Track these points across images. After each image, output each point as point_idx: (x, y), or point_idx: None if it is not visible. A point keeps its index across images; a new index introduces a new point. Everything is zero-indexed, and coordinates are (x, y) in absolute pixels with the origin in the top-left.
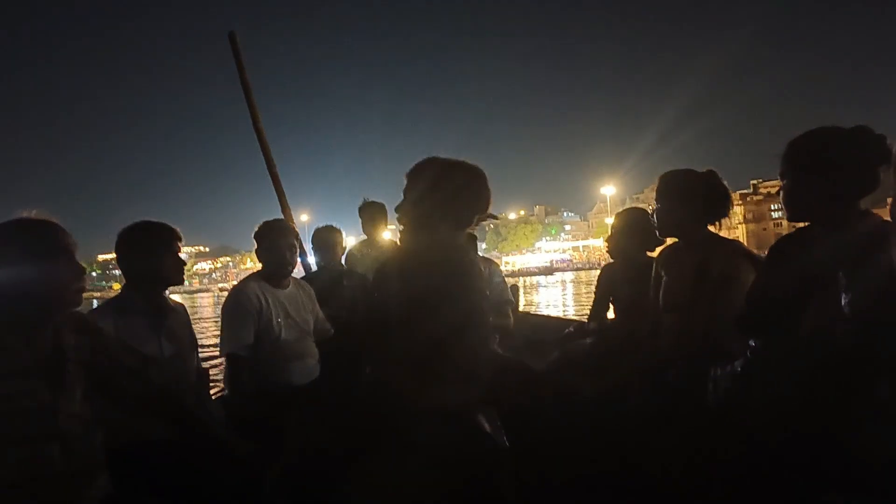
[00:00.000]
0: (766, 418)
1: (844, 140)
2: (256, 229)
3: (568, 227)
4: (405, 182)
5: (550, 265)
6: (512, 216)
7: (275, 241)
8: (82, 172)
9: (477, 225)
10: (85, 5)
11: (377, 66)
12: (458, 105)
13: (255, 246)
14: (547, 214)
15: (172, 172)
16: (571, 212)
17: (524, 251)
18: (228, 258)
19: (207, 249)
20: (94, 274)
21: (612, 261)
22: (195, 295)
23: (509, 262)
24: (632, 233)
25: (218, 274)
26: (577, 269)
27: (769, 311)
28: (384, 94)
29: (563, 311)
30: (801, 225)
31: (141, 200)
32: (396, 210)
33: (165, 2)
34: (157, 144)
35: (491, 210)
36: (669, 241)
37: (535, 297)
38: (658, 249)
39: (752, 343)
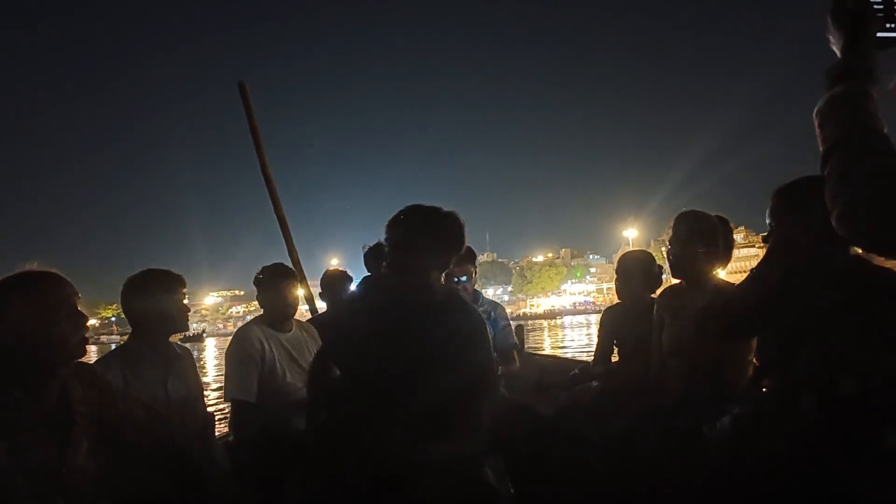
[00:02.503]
0: (770, 466)
1: None
2: (257, 274)
3: (593, 270)
4: (389, 230)
5: (554, 310)
6: (539, 258)
7: (274, 286)
8: (117, 221)
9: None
10: (98, 57)
11: (405, 112)
12: (484, 151)
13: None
14: (573, 257)
15: (210, 220)
16: (597, 254)
17: (549, 294)
18: None
19: (242, 293)
20: None
21: (613, 303)
22: (230, 337)
23: (534, 304)
24: (637, 274)
25: (252, 316)
26: (596, 312)
27: (746, 323)
28: (411, 139)
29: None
30: None
31: (178, 246)
32: (386, 259)
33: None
34: (195, 192)
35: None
36: (670, 282)
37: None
38: (658, 291)
39: (755, 390)
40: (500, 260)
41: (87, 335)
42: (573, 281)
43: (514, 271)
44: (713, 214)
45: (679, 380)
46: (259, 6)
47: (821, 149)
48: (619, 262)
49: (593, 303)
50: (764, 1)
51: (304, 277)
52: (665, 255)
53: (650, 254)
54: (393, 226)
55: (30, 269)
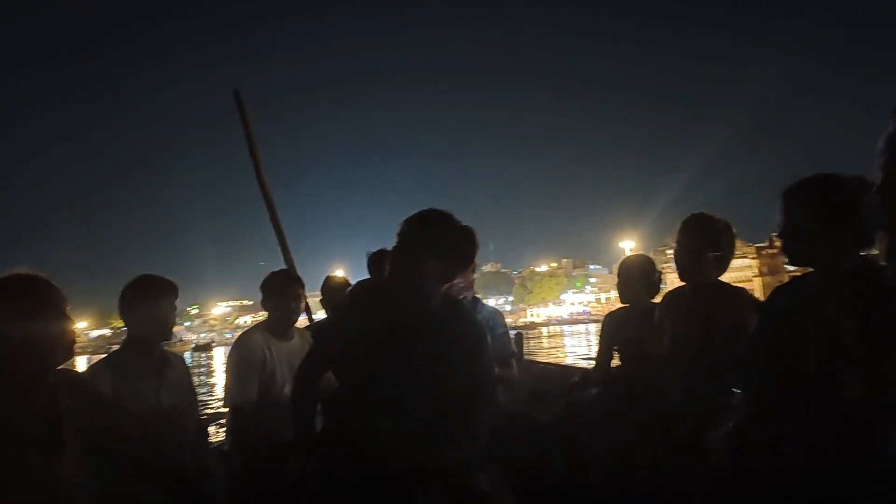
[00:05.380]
0: (773, 474)
1: (853, 188)
2: (264, 279)
3: (593, 280)
4: (400, 232)
5: (551, 320)
6: (543, 268)
7: (278, 292)
8: (127, 233)
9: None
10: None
11: (411, 122)
12: (490, 163)
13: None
14: (574, 267)
15: (219, 229)
16: (598, 264)
17: (549, 303)
18: None
19: (251, 303)
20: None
21: (614, 308)
22: None
23: (535, 314)
24: (638, 278)
25: None
26: (594, 321)
27: (766, 359)
28: (416, 149)
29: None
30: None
31: (188, 256)
32: (389, 259)
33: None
34: (203, 202)
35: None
36: (670, 286)
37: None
38: (659, 296)
39: (755, 395)
40: (503, 270)
41: (74, 338)
42: (573, 291)
43: (516, 281)
44: (720, 219)
45: (680, 385)
46: (258, 12)
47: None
48: (619, 266)
49: (589, 313)
50: (766, 8)
51: (303, 286)
52: (674, 258)
53: (650, 258)
54: (406, 225)
55: (17, 272)
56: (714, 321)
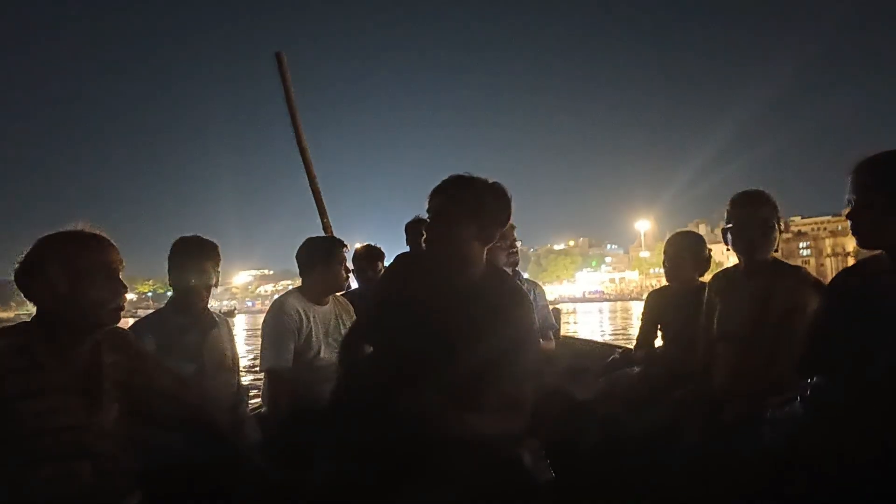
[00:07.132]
0: (829, 466)
1: None
2: (300, 247)
3: (609, 260)
4: (430, 203)
5: (562, 298)
6: (560, 246)
7: (327, 259)
8: (150, 199)
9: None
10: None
11: (437, 97)
12: (504, 137)
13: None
14: (591, 246)
15: (242, 199)
16: (615, 244)
17: (563, 281)
18: (290, 281)
19: (271, 272)
20: None
21: (657, 287)
22: (258, 315)
23: (548, 291)
24: (687, 256)
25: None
26: (606, 300)
27: (830, 351)
28: (443, 124)
29: None
30: (851, 261)
31: (210, 224)
32: (426, 232)
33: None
34: (228, 170)
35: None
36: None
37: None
38: (709, 274)
39: (814, 382)
40: (521, 248)
41: (123, 304)
42: (588, 270)
43: (532, 258)
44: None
45: (728, 368)
46: None
47: None
48: (667, 243)
49: (602, 292)
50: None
51: (345, 247)
52: (733, 234)
53: (699, 235)
54: (434, 195)
55: (75, 228)
56: (770, 300)
